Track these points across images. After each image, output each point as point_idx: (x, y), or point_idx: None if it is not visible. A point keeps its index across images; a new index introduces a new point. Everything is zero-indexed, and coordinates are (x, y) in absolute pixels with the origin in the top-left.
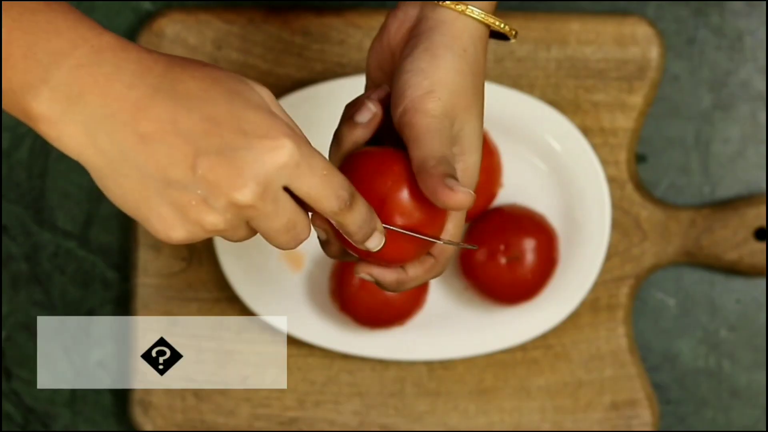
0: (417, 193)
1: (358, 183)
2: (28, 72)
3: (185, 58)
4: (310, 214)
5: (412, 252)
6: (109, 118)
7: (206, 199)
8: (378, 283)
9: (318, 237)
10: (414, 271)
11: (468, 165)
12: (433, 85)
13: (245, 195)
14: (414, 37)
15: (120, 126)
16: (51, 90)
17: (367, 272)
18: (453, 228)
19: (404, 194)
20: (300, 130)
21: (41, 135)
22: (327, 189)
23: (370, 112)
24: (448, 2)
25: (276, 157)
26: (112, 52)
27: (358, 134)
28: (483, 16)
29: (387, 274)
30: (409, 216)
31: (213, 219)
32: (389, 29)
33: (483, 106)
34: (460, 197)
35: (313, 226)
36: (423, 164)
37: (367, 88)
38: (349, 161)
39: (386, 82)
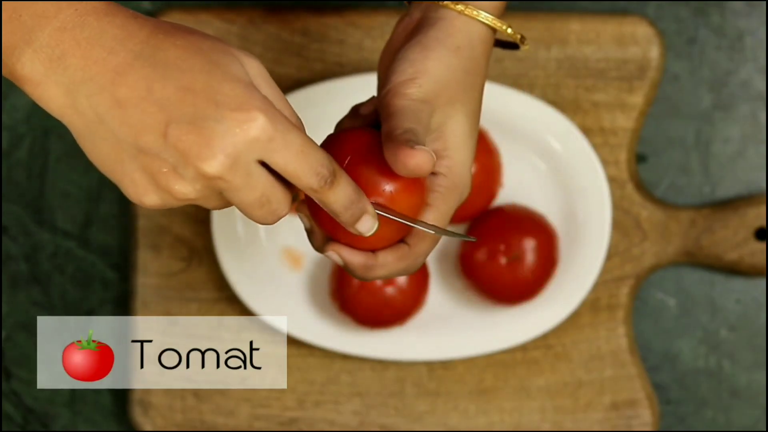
0: (385, 170)
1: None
2: (13, 33)
3: (174, 25)
4: (295, 197)
5: (386, 236)
6: (88, 82)
7: (176, 168)
8: (345, 267)
9: (304, 226)
10: (384, 258)
11: (454, 162)
12: (417, 73)
13: (212, 166)
14: (417, 33)
15: (98, 90)
16: (34, 51)
17: (335, 250)
18: (433, 218)
19: (371, 168)
20: (287, 105)
21: (28, 95)
22: (304, 165)
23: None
24: (447, 2)
25: (247, 130)
26: (96, 15)
27: (357, 125)
28: (483, 16)
29: (355, 257)
30: (375, 192)
31: (182, 188)
32: (395, 34)
33: (476, 106)
34: (420, 156)
35: (297, 213)
36: (389, 133)
37: (378, 90)
38: (325, 141)
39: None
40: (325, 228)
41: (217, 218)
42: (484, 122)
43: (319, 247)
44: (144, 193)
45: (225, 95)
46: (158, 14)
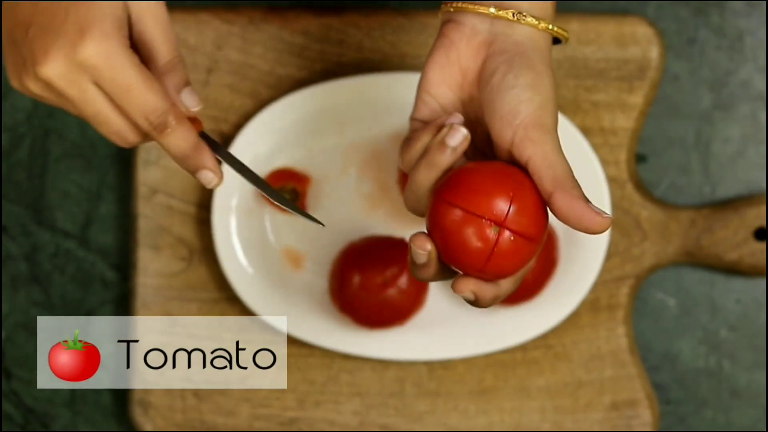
0: (537, 207)
1: (476, 196)
2: None
3: None
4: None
5: (520, 264)
6: None
7: (26, 64)
8: (476, 301)
9: (413, 259)
10: (507, 285)
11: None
12: (545, 100)
13: (43, 72)
14: (500, 53)
15: None
16: None
17: (468, 290)
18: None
19: (527, 207)
20: (167, 48)
21: None
22: (130, 103)
23: (462, 136)
24: (530, 19)
25: (77, 51)
26: None
27: (450, 158)
28: (557, 28)
29: (487, 290)
30: (526, 227)
31: (29, 83)
32: (457, 44)
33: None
34: (604, 222)
35: (413, 246)
36: (561, 184)
37: (421, 101)
38: (462, 175)
39: (454, 98)
40: (445, 258)
41: (218, 218)
42: None
43: (430, 278)
44: (12, 77)
45: (78, 16)
46: None
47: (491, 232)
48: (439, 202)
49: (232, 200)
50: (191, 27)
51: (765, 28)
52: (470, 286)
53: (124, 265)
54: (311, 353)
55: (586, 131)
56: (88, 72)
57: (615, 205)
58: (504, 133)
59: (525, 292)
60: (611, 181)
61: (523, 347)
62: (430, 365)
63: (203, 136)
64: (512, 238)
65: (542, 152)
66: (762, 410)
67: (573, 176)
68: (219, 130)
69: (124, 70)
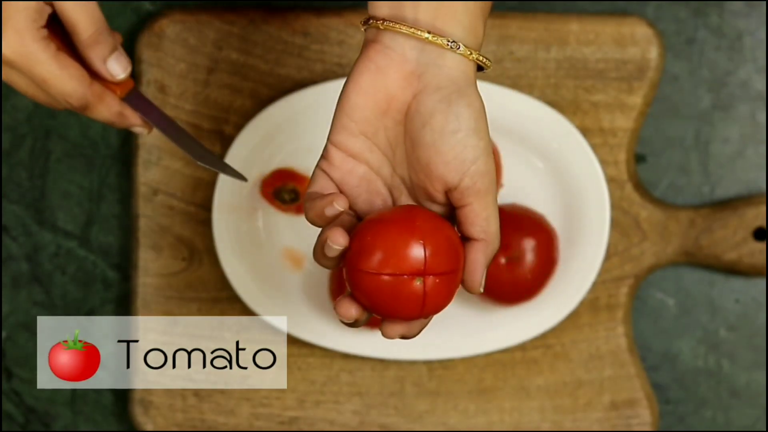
0: (449, 239)
1: (391, 256)
2: None
3: None
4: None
5: (451, 295)
6: None
7: None
8: (404, 336)
9: (323, 250)
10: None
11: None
12: (487, 144)
13: None
14: (437, 89)
15: None
16: None
17: (398, 334)
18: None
19: (441, 244)
20: (36, 21)
21: None
22: (49, 92)
23: (336, 211)
24: (463, 49)
25: (5, 43)
26: None
27: (335, 253)
28: (483, 58)
29: (415, 326)
30: (446, 263)
31: None
32: (384, 71)
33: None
34: (477, 291)
35: (328, 240)
36: (487, 237)
37: (340, 126)
38: (369, 235)
39: (376, 125)
40: (384, 315)
41: (218, 218)
42: None
43: (330, 267)
44: None
45: (9, 9)
46: (159, 15)
47: (417, 284)
48: (356, 272)
49: (232, 200)
50: (192, 27)
51: (764, 29)
52: (399, 330)
53: (125, 265)
54: (311, 353)
55: (585, 131)
56: (9, 64)
57: (614, 205)
58: (449, 178)
59: (525, 292)
60: (611, 181)
61: (522, 347)
62: (430, 365)
63: (134, 94)
64: (437, 280)
65: (484, 204)
66: (761, 410)
67: (499, 235)
68: (219, 130)
69: (39, 64)
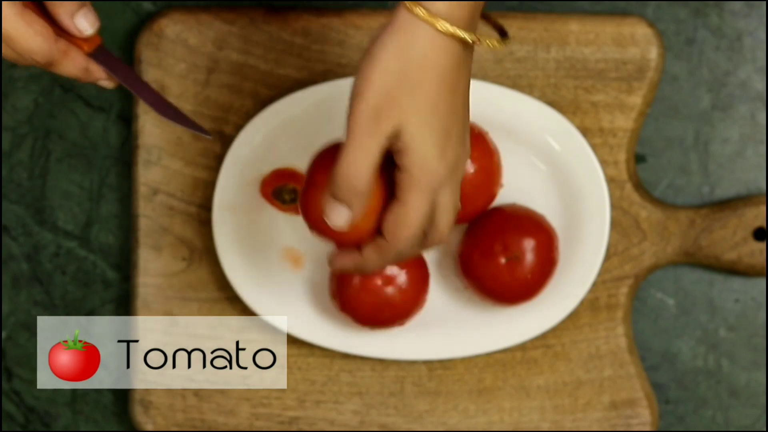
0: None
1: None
2: None
3: None
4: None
5: (365, 228)
6: None
7: None
8: (343, 269)
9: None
10: (368, 254)
11: (415, 157)
12: (363, 85)
13: None
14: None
15: None
16: None
17: (335, 266)
18: (404, 211)
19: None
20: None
21: None
22: (15, 49)
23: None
24: (411, 6)
25: None
26: None
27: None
28: (440, 25)
29: (346, 261)
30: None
31: None
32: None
33: (433, 101)
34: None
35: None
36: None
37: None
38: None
39: None
40: (311, 223)
41: (218, 218)
42: (484, 123)
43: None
44: None
45: None
46: (159, 14)
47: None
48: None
49: (232, 200)
50: (192, 27)
51: (764, 29)
52: (347, 261)
53: (125, 265)
54: (311, 353)
55: (585, 131)
56: None
57: (614, 205)
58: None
59: (525, 292)
60: (610, 181)
61: (522, 347)
62: (430, 365)
63: (101, 51)
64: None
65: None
66: (761, 410)
67: (345, 175)
68: (219, 130)
69: (5, 21)
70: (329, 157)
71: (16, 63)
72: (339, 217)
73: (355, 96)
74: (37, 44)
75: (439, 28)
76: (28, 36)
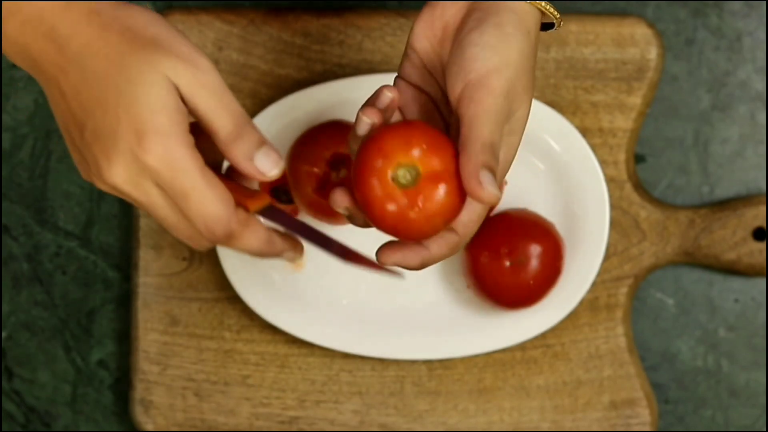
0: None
1: (389, 151)
2: None
3: (122, 26)
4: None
5: (437, 225)
6: (40, 68)
7: (90, 167)
8: (403, 267)
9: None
10: (438, 250)
11: (512, 145)
12: (502, 62)
13: (110, 180)
14: (477, 10)
15: (47, 79)
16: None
17: (391, 261)
18: (467, 217)
19: (436, 162)
20: (225, 118)
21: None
22: (189, 212)
23: (388, 99)
24: None
25: (141, 156)
26: (52, 10)
27: (375, 118)
28: (544, 4)
29: (411, 258)
30: (438, 181)
31: (99, 185)
32: (444, 4)
33: (531, 79)
34: (485, 195)
35: (335, 207)
36: (470, 144)
37: (406, 58)
38: (382, 131)
39: (434, 53)
40: (362, 210)
41: None
42: None
43: (363, 226)
44: (85, 174)
45: (130, 115)
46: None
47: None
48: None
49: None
50: (192, 27)
51: (764, 29)
52: (393, 258)
53: (126, 264)
54: (311, 353)
55: (585, 132)
56: (150, 176)
57: (614, 205)
58: (453, 88)
59: (526, 298)
60: (610, 181)
61: (522, 347)
62: (430, 364)
63: (270, 208)
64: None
65: (474, 112)
66: (761, 409)
67: (492, 142)
68: None
69: (184, 174)
70: (386, 137)
71: (189, 243)
72: (493, 186)
73: (489, 74)
74: (217, 210)
75: (551, 15)
76: (208, 197)
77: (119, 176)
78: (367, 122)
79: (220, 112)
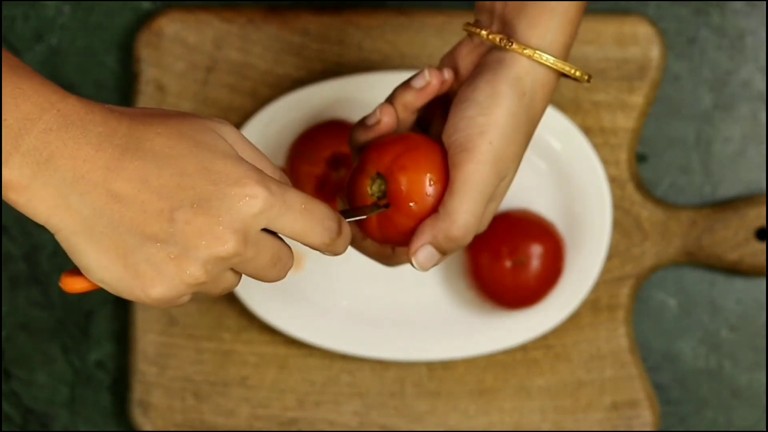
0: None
1: (392, 162)
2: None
3: (148, 113)
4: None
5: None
6: (80, 180)
7: (186, 252)
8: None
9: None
10: (399, 252)
11: (490, 211)
12: (487, 124)
13: (227, 245)
14: (481, 65)
15: (92, 187)
16: (22, 156)
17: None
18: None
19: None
20: (269, 164)
21: (7, 201)
22: (311, 222)
23: (425, 80)
24: (515, 46)
25: (250, 205)
26: (77, 115)
27: (410, 98)
28: (552, 61)
29: (428, 257)
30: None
31: (195, 271)
32: (461, 49)
33: (523, 154)
34: (415, 261)
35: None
36: (442, 216)
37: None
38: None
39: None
40: (372, 236)
41: None
42: None
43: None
44: (151, 285)
45: (219, 173)
46: (158, 14)
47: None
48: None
49: None
50: (191, 26)
51: (766, 28)
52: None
53: None
54: (311, 353)
55: (586, 131)
56: (263, 221)
57: (615, 205)
58: (446, 139)
59: (527, 299)
60: (612, 181)
61: (523, 347)
62: (430, 365)
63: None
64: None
65: (461, 179)
66: (762, 410)
67: (463, 227)
68: None
69: (288, 192)
70: (388, 145)
71: (282, 273)
72: (431, 262)
73: (474, 137)
74: (325, 209)
75: (569, 73)
76: (314, 201)
77: (235, 238)
78: (375, 118)
79: (264, 164)
